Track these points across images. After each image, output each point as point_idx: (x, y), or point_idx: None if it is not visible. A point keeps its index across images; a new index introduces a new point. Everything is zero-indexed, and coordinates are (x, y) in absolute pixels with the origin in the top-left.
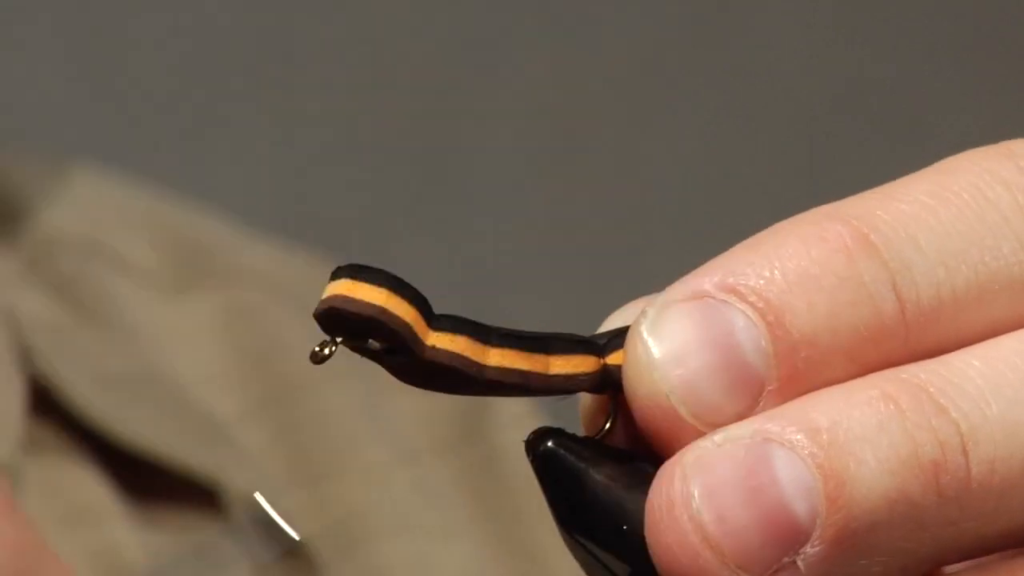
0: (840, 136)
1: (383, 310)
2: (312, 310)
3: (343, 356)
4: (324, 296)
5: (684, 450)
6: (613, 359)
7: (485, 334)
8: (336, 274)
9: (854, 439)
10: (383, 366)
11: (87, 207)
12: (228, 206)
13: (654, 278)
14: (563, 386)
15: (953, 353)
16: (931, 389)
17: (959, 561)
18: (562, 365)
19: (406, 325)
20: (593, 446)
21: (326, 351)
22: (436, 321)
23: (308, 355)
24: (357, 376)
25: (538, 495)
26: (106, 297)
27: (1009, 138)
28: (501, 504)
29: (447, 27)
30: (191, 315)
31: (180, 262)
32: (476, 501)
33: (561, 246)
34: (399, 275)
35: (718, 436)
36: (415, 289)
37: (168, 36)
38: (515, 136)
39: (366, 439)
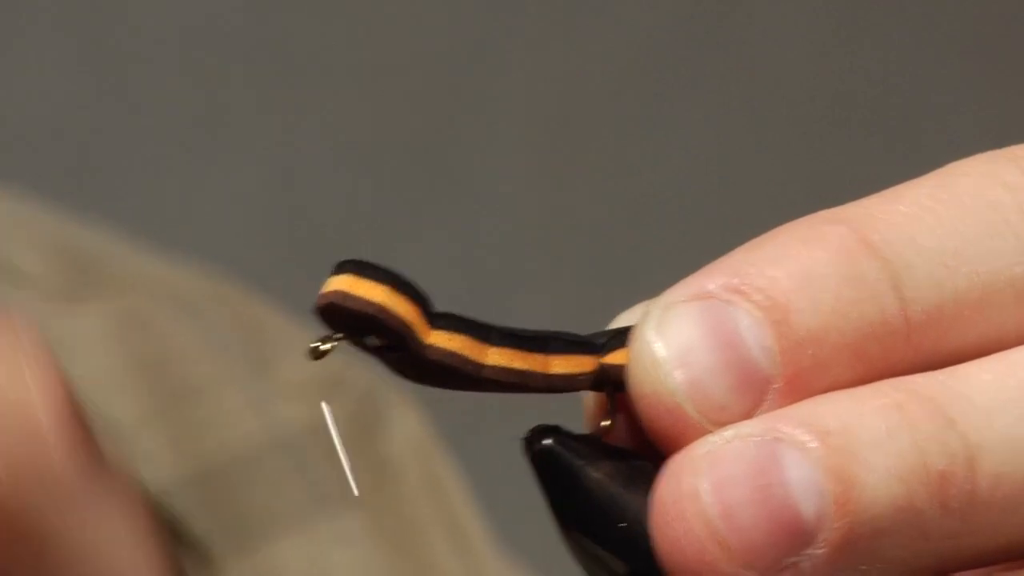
0: (842, 137)
1: (382, 308)
2: (206, 320)
3: (239, 361)
4: (324, 291)
5: (693, 444)
6: (612, 359)
7: (484, 333)
8: (338, 269)
9: (864, 444)
10: (382, 362)
11: None
12: (230, 206)
13: (656, 277)
14: (562, 385)
15: (962, 365)
16: (940, 400)
17: (958, 571)
18: (561, 365)
19: (405, 324)
20: (591, 444)
21: (325, 347)
22: (436, 320)
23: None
24: (248, 381)
25: (432, 505)
26: None
27: (1011, 139)
28: (394, 513)
29: (449, 27)
30: (84, 324)
31: (70, 271)
32: (369, 508)
33: (563, 246)
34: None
35: (728, 432)
36: (416, 287)
37: (170, 37)
38: (516, 136)
39: (259, 443)
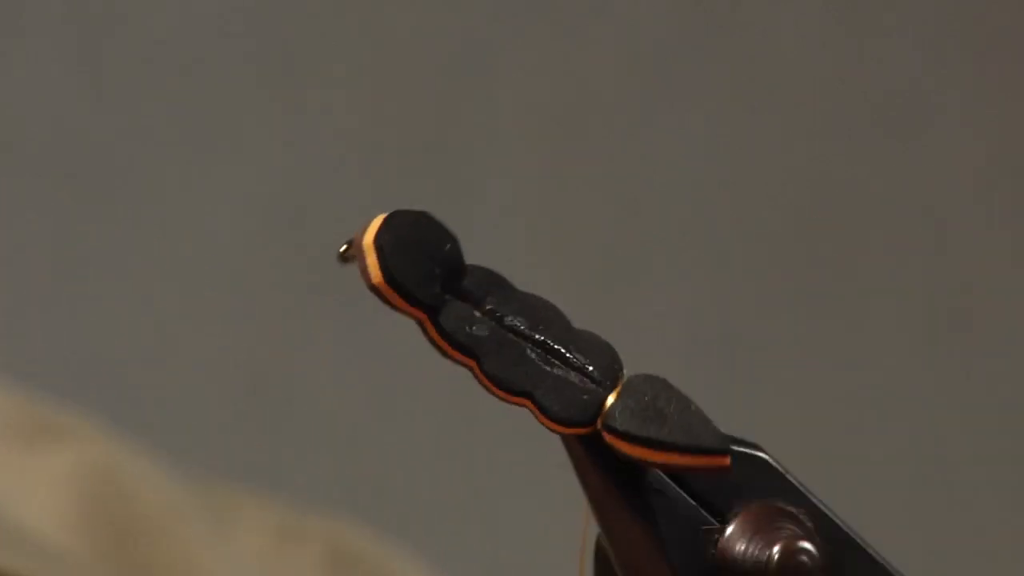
0: (843, 138)
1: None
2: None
3: (190, 495)
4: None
5: None
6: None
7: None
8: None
9: None
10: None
11: None
12: (230, 206)
13: (658, 279)
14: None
15: None
16: None
17: None
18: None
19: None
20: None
21: (350, 254)
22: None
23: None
24: (205, 517)
25: None
26: None
27: (1011, 139)
28: None
29: (452, 28)
30: (45, 465)
31: (32, 417)
32: None
33: (565, 247)
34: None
35: None
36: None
37: (170, 37)
38: (518, 138)
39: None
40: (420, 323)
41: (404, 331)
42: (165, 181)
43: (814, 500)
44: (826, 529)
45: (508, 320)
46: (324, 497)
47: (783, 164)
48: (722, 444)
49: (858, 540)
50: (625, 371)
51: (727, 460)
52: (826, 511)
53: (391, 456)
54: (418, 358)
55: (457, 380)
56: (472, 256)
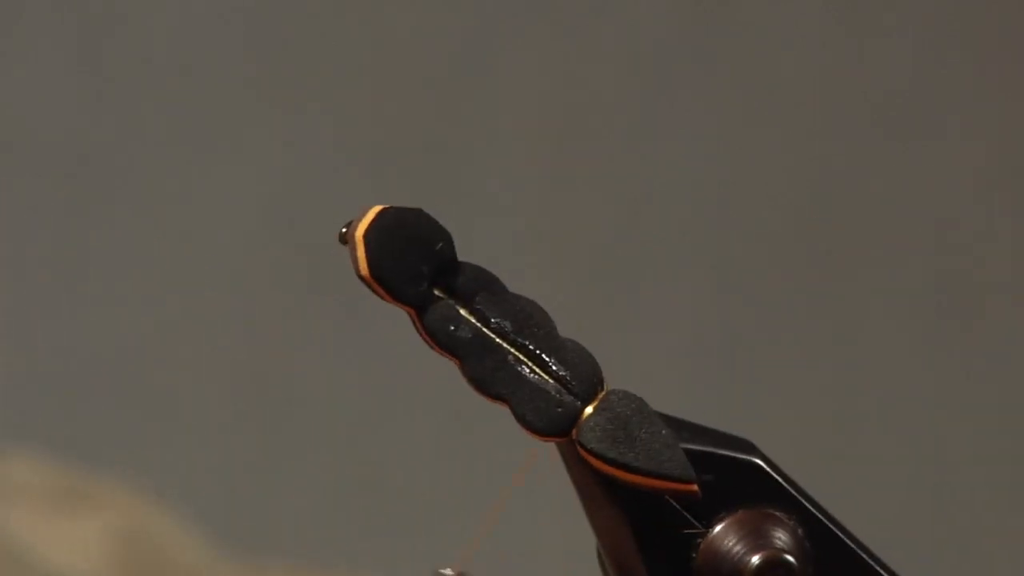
0: (844, 137)
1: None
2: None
3: (216, 552)
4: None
5: None
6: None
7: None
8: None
9: None
10: None
11: None
12: (230, 207)
13: (657, 279)
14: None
15: None
16: None
17: None
18: None
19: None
20: None
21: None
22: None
23: None
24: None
25: None
26: None
27: (1011, 138)
28: None
29: (452, 29)
30: (80, 530)
31: (67, 483)
32: None
33: (564, 249)
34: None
35: None
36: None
37: (170, 37)
38: (518, 139)
39: None
40: (409, 315)
41: (404, 331)
42: (165, 181)
43: (807, 505)
44: (819, 536)
45: (494, 322)
46: (324, 497)
47: (783, 164)
48: (685, 473)
49: (854, 546)
50: (605, 384)
51: (694, 487)
52: (821, 517)
53: (391, 456)
54: (418, 358)
55: (457, 380)
56: (471, 256)
